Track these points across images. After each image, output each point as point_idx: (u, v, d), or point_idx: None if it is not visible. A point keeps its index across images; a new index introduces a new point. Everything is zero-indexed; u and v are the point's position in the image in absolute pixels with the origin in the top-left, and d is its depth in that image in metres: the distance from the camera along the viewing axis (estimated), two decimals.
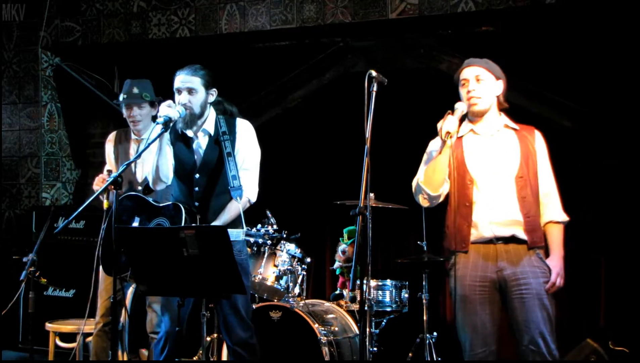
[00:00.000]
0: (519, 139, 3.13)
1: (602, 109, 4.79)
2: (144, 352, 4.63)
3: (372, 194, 4.22)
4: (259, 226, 3.14)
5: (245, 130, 3.38)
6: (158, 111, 3.18)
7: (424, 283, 4.63)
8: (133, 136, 3.98)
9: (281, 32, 5.34)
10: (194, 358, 4.56)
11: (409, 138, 5.35)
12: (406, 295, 4.54)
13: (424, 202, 3.19)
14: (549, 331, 2.97)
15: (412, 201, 4.73)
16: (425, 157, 3.27)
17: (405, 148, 5.34)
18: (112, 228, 2.98)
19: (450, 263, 3.16)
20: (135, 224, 3.31)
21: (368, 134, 2.88)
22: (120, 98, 4.00)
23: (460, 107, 3.12)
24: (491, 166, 3.09)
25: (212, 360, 4.43)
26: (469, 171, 3.11)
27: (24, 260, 3.82)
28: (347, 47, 5.44)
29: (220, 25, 5.45)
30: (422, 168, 3.24)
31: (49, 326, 4.57)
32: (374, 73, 2.93)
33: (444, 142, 3.05)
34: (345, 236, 5.16)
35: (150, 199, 3.40)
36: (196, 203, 3.31)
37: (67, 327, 4.52)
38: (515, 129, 3.17)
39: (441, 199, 3.19)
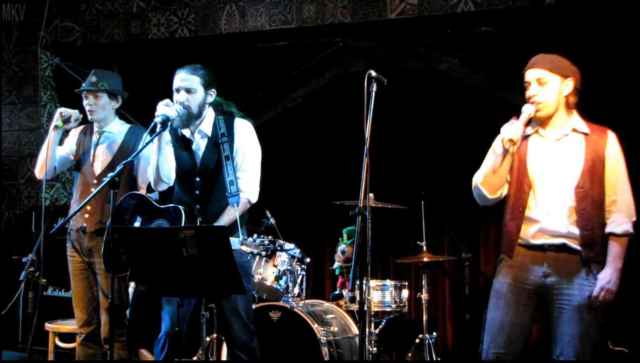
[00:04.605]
0: (587, 145, 2.92)
1: (602, 109, 4.79)
2: (144, 352, 4.63)
3: (371, 195, 4.22)
4: (255, 235, 3.11)
5: (243, 130, 3.36)
6: (156, 110, 3.16)
7: (423, 283, 4.64)
8: (95, 129, 3.93)
9: (281, 33, 5.34)
10: (194, 358, 4.55)
11: (409, 138, 5.38)
12: (406, 295, 4.53)
13: (480, 202, 3.06)
14: (584, 345, 2.83)
15: (411, 201, 4.78)
16: (489, 154, 3.08)
17: (405, 148, 5.38)
18: (112, 227, 2.97)
19: (497, 261, 3.07)
20: (137, 224, 3.31)
21: (367, 134, 2.88)
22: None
23: (527, 110, 2.93)
24: (552, 173, 2.93)
25: (211, 360, 4.43)
26: (528, 176, 2.96)
27: (24, 260, 3.82)
28: (346, 47, 5.44)
29: (219, 25, 5.45)
30: (483, 166, 3.06)
31: (48, 326, 4.57)
32: (373, 73, 2.92)
33: (506, 149, 2.91)
34: (345, 236, 5.16)
35: (153, 200, 3.39)
36: (197, 206, 3.30)
37: (66, 327, 4.52)
38: (585, 134, 2.95)
39: (499, 200, 3.05)
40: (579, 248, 2.88)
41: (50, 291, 5.26)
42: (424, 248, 4.68)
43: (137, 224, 3.31)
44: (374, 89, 2.92)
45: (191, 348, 4.57)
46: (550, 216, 2.92)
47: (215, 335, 4.44)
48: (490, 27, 5.02)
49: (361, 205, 2.82)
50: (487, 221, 5.21)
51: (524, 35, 4.86)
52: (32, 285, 4.53)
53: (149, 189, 3.55)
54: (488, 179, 2.99)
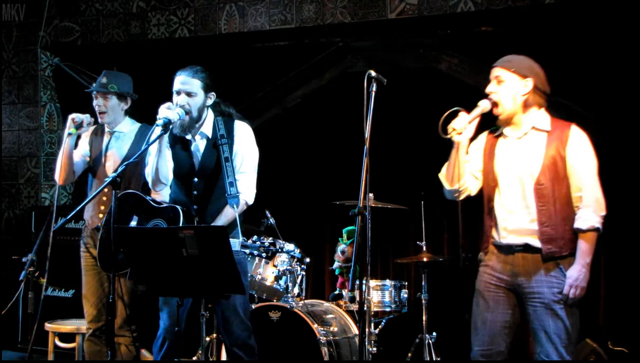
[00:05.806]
0: (548, 143, 2.96)
1: (603, 109, 4.79)
2: (144, 352, 4.63)
3: (371, 195, 4.22)
4: (255, 237, 3.12)
5: (243, 133, 3.37)
6: (158, 113, 3.17)
7: (423, 283, 4.63)
8: (106, 130, 3.93)
9: (280, 32, 5.34)
10: (194, 358, 4.55)
11: (408, 138, 5.38)
12: (405, 295, 4.53)
13: (446, 193, 3.17)
14: (562, 341, 2.86)
15: (411, 201, 4.78)
16: None
17: (405, 148, 5.37)
18: (112, 227, 2.97)
19: (478, 259, 3.15)
20: (133, 223, 3.30)
21: (367, 134, 2.88)
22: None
23: (481, 105, 3.03)
24: (513, 171, 3.00)
25: (211, 360, 4.43)
26: (494, 173, 3.06)
27: (23, 260, 3.82)
28: (346, 47, 5.43)
29: (219, 25, 5.45)
30: None
31: (48, 326, 4.57)
32: (373, 73, 2.93)
33: (452, 140, 3.02)
34: (345, 236, 5.16)
35: (150, 200, 3.39)
36: (195, 206, 3.31)
37: (66, 327, 4.52)
38: (546, 131, 2.99)
39: (462, 195, 3.14)
40: (539, 246, 2.92)
41: (50, 291, 5.26)
42: (424, 248, 4.67)
43: (133, 223, 3.30)
44: (374, 89, 2.92)
45: (191, 348, 4.57)
46: (514, 214, 2.99)
47: (214, 335, 4.44)
48: (490, 27, 5.02)
49: (361, 205, 2.82)
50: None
51: (524, 35, 4.86)
52: (32, 285, 4.53)
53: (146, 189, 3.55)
54: (446, 170, 3.13)
